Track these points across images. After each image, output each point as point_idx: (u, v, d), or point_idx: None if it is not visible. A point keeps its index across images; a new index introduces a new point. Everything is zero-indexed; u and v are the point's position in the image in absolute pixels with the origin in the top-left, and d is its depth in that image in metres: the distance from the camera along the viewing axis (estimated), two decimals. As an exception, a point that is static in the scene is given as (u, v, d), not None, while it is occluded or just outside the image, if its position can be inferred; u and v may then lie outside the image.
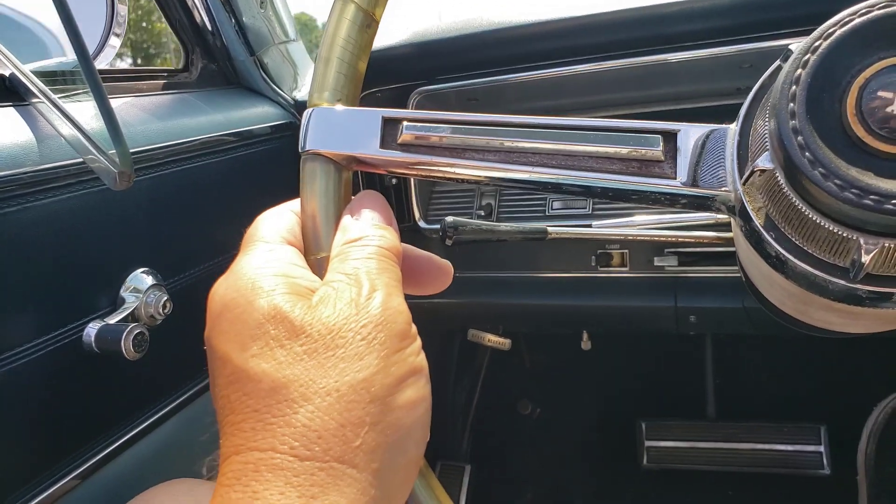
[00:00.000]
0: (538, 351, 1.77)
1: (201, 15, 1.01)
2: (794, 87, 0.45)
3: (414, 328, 0.40)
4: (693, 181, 0.51)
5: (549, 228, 0.79)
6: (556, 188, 0.53)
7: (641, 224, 0.92)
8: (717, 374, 1.70)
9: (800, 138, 0.44)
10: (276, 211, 0.47)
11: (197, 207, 0.88)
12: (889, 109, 0.43)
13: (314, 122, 0.50)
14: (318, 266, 0.44)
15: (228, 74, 1.10)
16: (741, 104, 0.48)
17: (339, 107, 0.51)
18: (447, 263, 0.51)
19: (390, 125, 0.51)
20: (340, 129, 0.50)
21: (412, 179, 1.16)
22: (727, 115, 0.50)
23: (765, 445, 1.59)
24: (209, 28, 1.03)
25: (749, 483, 1.59)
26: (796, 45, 0.48)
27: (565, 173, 0.52)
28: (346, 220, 0.45)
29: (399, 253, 0.43)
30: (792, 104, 0.45)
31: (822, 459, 1.55)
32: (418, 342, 0.39)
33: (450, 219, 0.73)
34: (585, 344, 1.41)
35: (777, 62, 0.49)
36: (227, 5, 1.01)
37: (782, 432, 1.60)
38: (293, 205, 0.48)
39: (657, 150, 0.51)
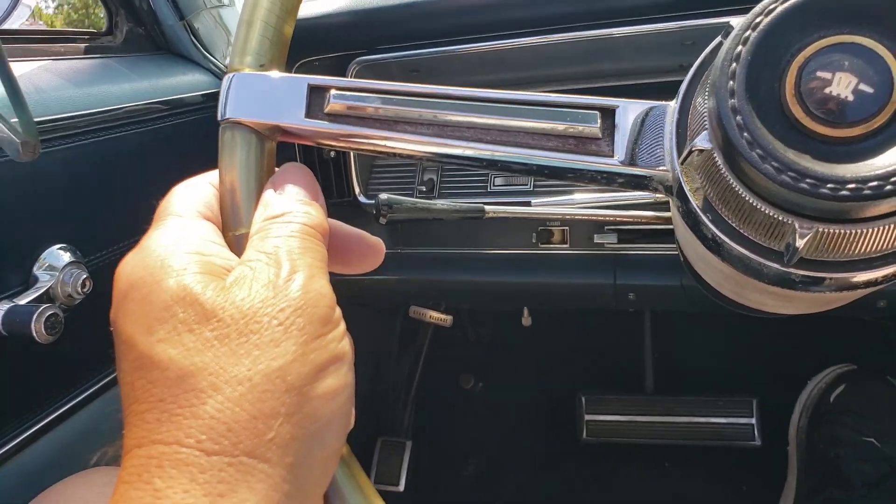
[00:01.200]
0: (480, 326, 1.76)
1: (124, -26, 0.95)
2: (734, 65, 0.44)
3: (338, 312, 0.37)
4: (630, 160, 0.49)
5: (487, 207, 0.77)
6: (491, 164, 0.51)
7: (581, 203, 0.91)
8: (655, 349, 1.73)
9: (739, 118, 0.42)
10: (193, 182, 0.43)
11: (120, 180, 0.83)
12: (827, 91, 0.41)
13: (235, 89, 0.47)
14: (237, 243, 0.41)
15: (157, 39, 1.04)
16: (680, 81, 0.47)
17: (263, 72, 0.47)
18: (378, 241, 0.49)
19: (317, 93, 0.48)
20: (263, 96, 0.47)
21: (352, 153, 1.13)
22: (670, 91, 0.49)
23: (700, 419, 1.63)
24: (133, -11, 0.97)
25: (685, 455, 1.63)
26: (738, 20, 0.47)
27: (500, 149, 0.50)
28: (268, 194, 0.42)
29: (325, 231, 0.41)
30: (731, 82, 0.43)
31: (753, 431, 1.60)
32: (341, 327, 0.37)
33: (384, 196, 0.71)
34: (526, 320, 1.41)
35: (718, 38, 0.48)
36: (152, -35, 0.95)
37: (717, 405, 1.64)
38: (211, 176, 0.44)
39: (594, 127, 0.49)
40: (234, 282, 0.34)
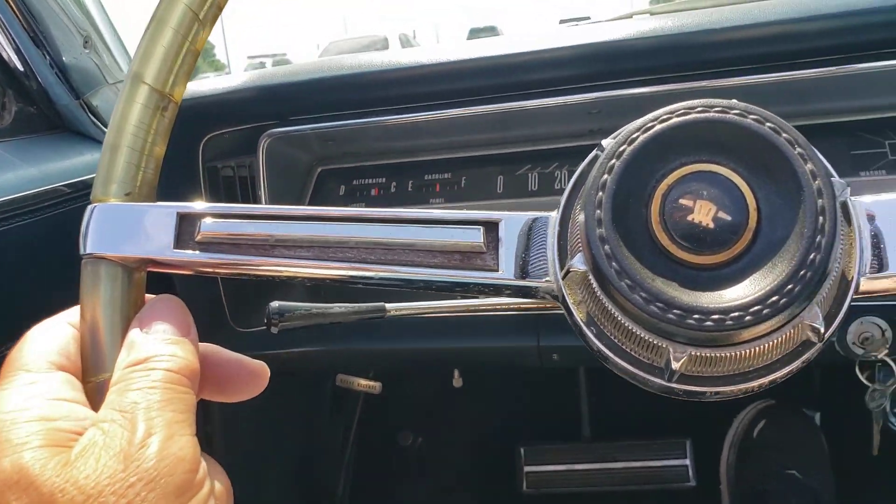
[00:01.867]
0: (414, 387, 1.74)
1: (9, 54, 0.91)
2: (600, 194, 0.45)
3: (202, 472, 0.35)
4: (516, 272, 0.49)
5: (388, 306, 0.76)
6: (377, 284, 0.50)
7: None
8: (590, 395, 1.74)
9: (606, 247, 0.43)
10: (49, 325, 0.40)
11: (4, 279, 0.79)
12: (690, 218, 0.43)
13: (96, 221, 0.45)
14: (98, 391, 0.38)
15: (52, 118, 1.00)
16: (595, 145, 0.47)
17: (127, 202, 0.45)
18: (260, 367, 0.47)
19: (188, 221, 0.46)
20: (128, 227, 0.45)
21: (262, 185, 1.10)
22: (583, 155, 0.50)
23: (637, 463, 1.64)
24: (20, 69, 0.93)
25: (625, 500, 1.63)
26: (609, 141, 0.47)
27: (385, 269, 0.49)
28: (133, 334, 0.39)
29: (193, 372, 0.39)
30: (598, 211, 0.44)
31: (687, 472, 1.61)
32: (205, 489, 0.34)
33: (275, 304, 0.69)
34: (457, 381, 1.40)
35: (594, 152, 0.49)
36: (42, 45, 0.92)
37: (652, 448, 1.66)
38: (71, 315, 0.42)
39: (478, 242, 0.50)
40: (81, 453, 0.32)
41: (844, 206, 0.43)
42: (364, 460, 1.72)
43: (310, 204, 1.19)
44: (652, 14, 1.43)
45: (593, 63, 0.91)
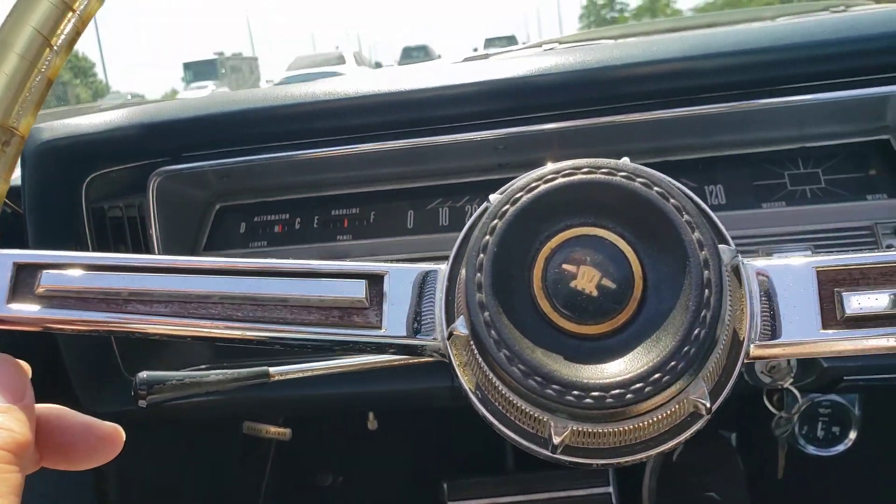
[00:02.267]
0: (329, 430, 1.68)
1: None
2: (481, 256, 0.41)
3: None
4: (401, 330, 0.45)
5: (272, 370, 0.71)
6: (244, 344, 0.46)
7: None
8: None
9: (486, 314, 0.40)
10: None
11: None
12: (573, 285, 0.40)
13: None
14: None
15: None
16: (508, 178, 0.44)
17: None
18: (113, 430, 0.42)
19: (26, 272, 0.41)
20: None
21: (153, 226, 1.03)
22: (494, 188, 0.47)
23: (561, 493, 1.62)
24: None
25: (548, 532, 1.61)
26: (496, 197, 0.44)
27: (253, 327, 0.44)
28: None
29: (21, 445, 0.33)
30: (479, 274, 0.40)
31: (611, 499, 1.60)
32: None
33: (143, 374, 0.63)
34: (372, 424, 1.34)
35: (484, 205, 0.46)
36: None
37: (575, 477, 1.64)
38: None
39: (360, 297, 0.45)
40: None
41: (736, 270, 0.42)
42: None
43: (208, 244, 1.12)
44: (561, 43, 1.44)
45: (497, 100, 0.90)
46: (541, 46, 1.38)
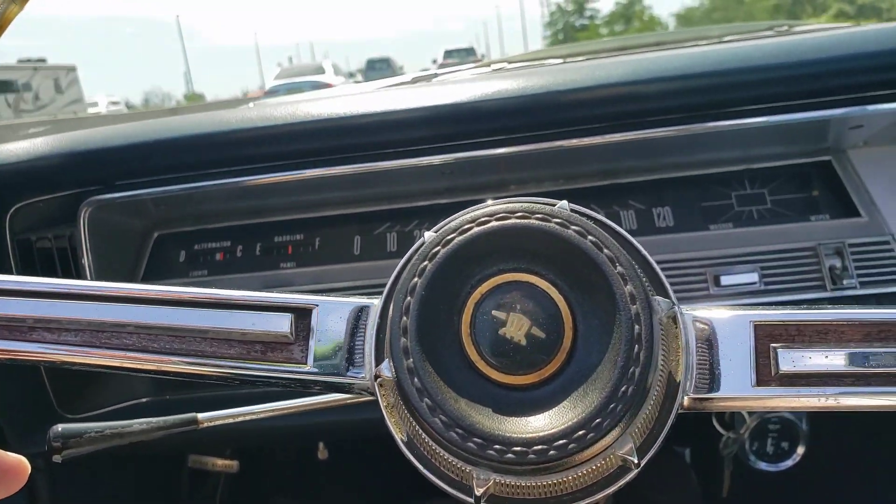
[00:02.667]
0: (280, 461, 1.63)
1: None
2: (408, 299, 0.40)
3: None
4: (327, 367, 0.43)
5: (201, 416, 0.68)
6: (160, 375, 0.44)
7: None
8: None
9: (410, 361, 0.38)
10: None
11: None
12: (501, 332, 0.39)
13: None
14: None
15: None
16: (456, 202, 0.42)
17: None
18: (17, 462, 0.40)
19: None
20: None
21: (85, 256, 0.98)
22: (443, 213, 0.45)
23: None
24: None
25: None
26: (430, 234, 0.42)
27: (168, 360, 0.42)
28: None
29: None
30: (405, 318, 0.39)
31: (567, 520, 1.59)
32: None
33: (57, 428, 0.59)
34: (322, 453, 1.31)
35: (418, 241, 0.44)
36: None
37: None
38: None
39: (285, 331, 0.43)
40: None
41: (673, 320, 0.41)
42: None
43: (146, 274, 1.08)
44: (510, 63, 1.43)
45: (442, 125, 0.88)
46: (489, 66, 1.37)
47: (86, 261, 0.97)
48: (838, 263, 0.97)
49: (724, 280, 0.97)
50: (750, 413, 1.12)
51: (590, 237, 0.39)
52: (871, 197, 1.00)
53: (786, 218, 1.02)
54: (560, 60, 1.31)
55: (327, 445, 1.31)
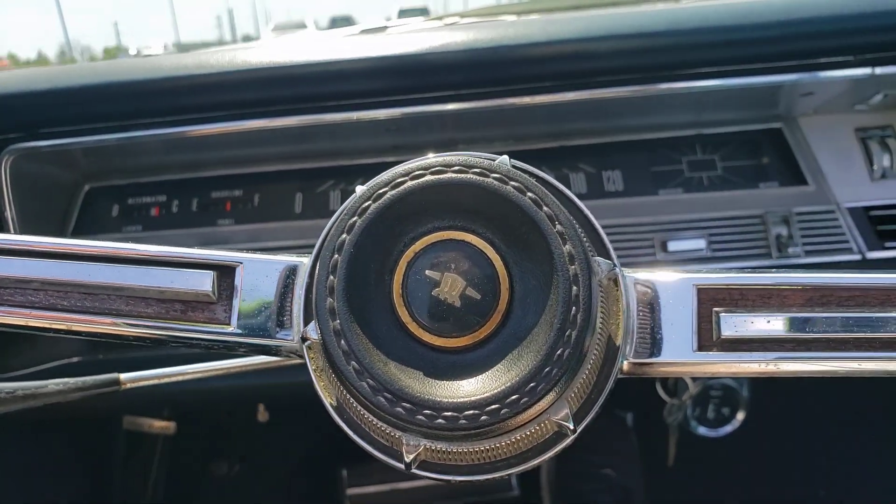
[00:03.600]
0: (218, 422, 1.60)
1: None
2: (335, 257, 0.37)
3: None
4: (252, 328, 0.41)
5: (123, 376, 0.65)
6: (71, 335, 0.41)
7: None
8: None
9: (336, 322, 0.36)
10: None
11: None
12: (435, 293, 0.37)
13: None
14: None
15: None
16: (398, 161, 0.40)
17: None
18: None
19: None
20: None
21: (7, 208, 0.93)
22: (385, 170, 0.42)
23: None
24: None
25: (450, 515, 1.60)
26: (361, 189, 0.40)
27: (79, 318, 0.40)
28: None
29: None
30: (332, 277, 0.36)
31: (510, 481, 1.61)
32: None
33: None
34: (262, 416, 1.28)
35: (355, 191, 0.41)
36: None
37: (477, 460, 1.64)
38: None
39: (206, 290, 0.41)
40: None
41: (615, 283, 0.39)
42: (175, 499, 1.55)
43: (76, 228, 1.02)
44: (462, 17, 1.39)
45: (388, 77, 0.84)
46: (441, 20, 1.33)
47: (9, 213, 0.91)
48: (784, 232, 0.98)
49: (672, 246, 0.96)
50: (693, 379, 1.13)
51: (529, 194, 0.37)
52: (819, 165, 1.01)
53: (735, 185, 1.01)
54: (514, 17, 1.27)
55: (267, 408, 1.28)
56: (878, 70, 0.86)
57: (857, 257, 0.96)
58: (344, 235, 0.37)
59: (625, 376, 0.41)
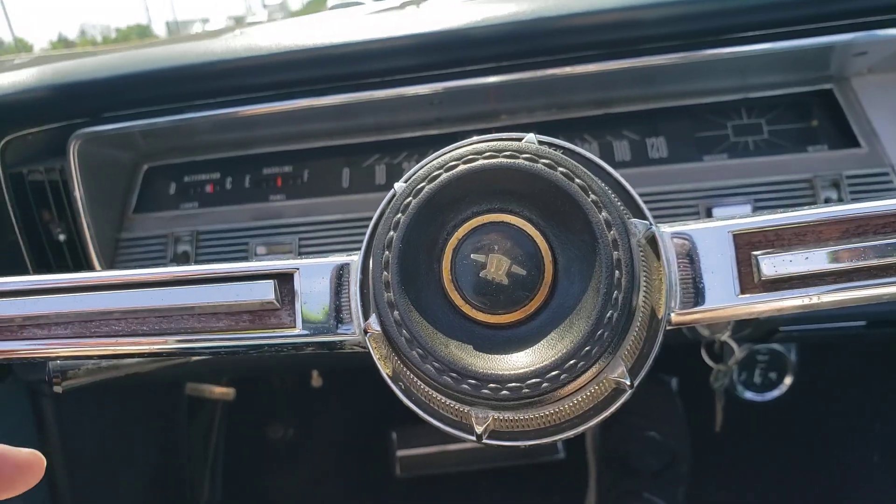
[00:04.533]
0: (274, 388, 1.66)
1: None
2: (386, 254, 0.40)
3: None
4: (317, 327, 0.45)
5: None
6: (154, 356, 0.45)
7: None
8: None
9: (396, 313, 0.39)
10: None
11: None
12: (482, 275, 0.39)
13: None
14: None
15: None
16: (446, 134, 0.42)
17: None
18: (32, 457, 0.40)
19: None
20: None
21: (85, 225, 0.98)
22: (432, 144, 0.44)
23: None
24: None
25: (498, 477, 1.65)
26: (400, 185, 0.42)
27: (159, 340, 0.44)
28: None
29: None
30: (386, 273, 0.39)
31: (556, 445, 1.64)
32: None
33: (57, 361, 0.60)
34: (316, 381, 1.34)
35: (393, 189, 0.44)
36: None
37: (523, 423, 1.67)
38: None
39: (270, 298, 0.44)
40: None
41: (652, 240, 0.41)
42: (234, 461, 1.64)
43: (137, 206, 1.07)
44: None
45: (430, 54, 0.86)
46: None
47: (77, 193, 0.97)
48: (834, 195, 0.96)
49: (716, 213, 0.96)
50: (739, 344, 1.13)
51: (560, 169, 0.39)
52: (873, 126, 0.98)
53: (782, 149, 1.00)
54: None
55: (321, 374, 1.34)
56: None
57: (912, 221, 0.94)
58: (391, 233, 0.40)
59: (673, 328, 0.43)
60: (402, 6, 1.19)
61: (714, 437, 1.45)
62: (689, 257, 0.42)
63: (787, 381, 1.23)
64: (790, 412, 1.40)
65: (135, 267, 1.03)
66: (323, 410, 1.69)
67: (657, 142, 1.02)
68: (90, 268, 1.01)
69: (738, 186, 0.98)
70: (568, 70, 0.88)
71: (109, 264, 1.03)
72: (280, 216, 1.02)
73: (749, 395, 1.26)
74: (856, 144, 0.98)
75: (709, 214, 0.96)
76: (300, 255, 1.00)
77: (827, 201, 0.96)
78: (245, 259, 1.01)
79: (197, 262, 1.02)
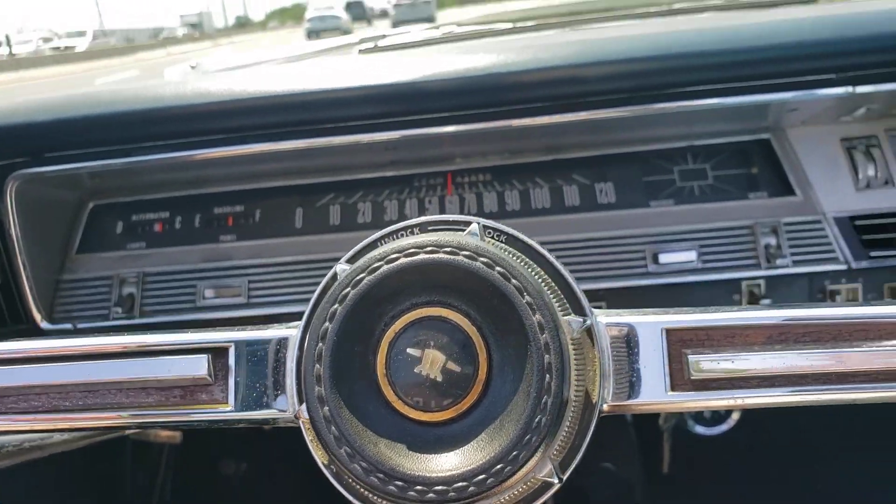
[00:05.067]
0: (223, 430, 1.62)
1: None
2: (319, 345, 0.40)
3: None
4: (250, 404, 0.44)
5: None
6: (78, 432, 0.44)
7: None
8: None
9: (325, 409, 0.39)
10: None
11: None
12: (417, 370, 0.40)
13: None
14: None
15: None
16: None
17: None
18: None
19: None
20: None
21: (22, 266, 0.95)
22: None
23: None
24: None
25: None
26: (342, 267, 0.42)
27: (82, 416, 0.43)
28: None
29: None
30: (318, 366, 0.39)
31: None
32: None
33: None
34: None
35: (333, 269, 0.43)
36: None
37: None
38: None
39: (203, 374, 0.44)
40: None
41: (589, 332, 0.42)
42: (183, 501, 1.59)
43: (81, 245, 1.05)
44: (459, 25, 1.40)
45: (387, 103, 0.86)
46: (438, 29, 1.34)
47: (13, 232, 0.94)
48: (773, 242, 1.00)
49: (663, 258, 0.98)
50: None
51: (497, 269, 0.39)
52: (806, 175, 1.02)
53: (726, 195, 1.03)
54: (510, 25, 1.28)
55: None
56: (859, 89, 0.88)
57: (844, 266, 0.98)
58: (327, 324, 0.40)
59: (606, 415, 0.44)
60: (361, 52, 1.19)
61: (666, 470, 1.48)
62: (624, 349, 0.43)
63: (735, 415, 1.26)
64: (739, 445, 1.43)
65: (75, 311, 1.01)
66: (273, 454, 1.65)
67: (605, 187, 1.04)
68: (26, 313, 0.98)
69: (684, 232, 1.01)
70: (519, 122, 0.90)
71: (48, 308, 1.00)
72: (230, 258, 1.00)
73: (699, 429, 1.29)
74: (791, 192, 1.02)
75: (655, 260, 0.98)
76: (249, 298, 0.99)
77: (766, 248, 0.99)
78: (193, 304, 1.00)
79: (143, 305, 1.00)
